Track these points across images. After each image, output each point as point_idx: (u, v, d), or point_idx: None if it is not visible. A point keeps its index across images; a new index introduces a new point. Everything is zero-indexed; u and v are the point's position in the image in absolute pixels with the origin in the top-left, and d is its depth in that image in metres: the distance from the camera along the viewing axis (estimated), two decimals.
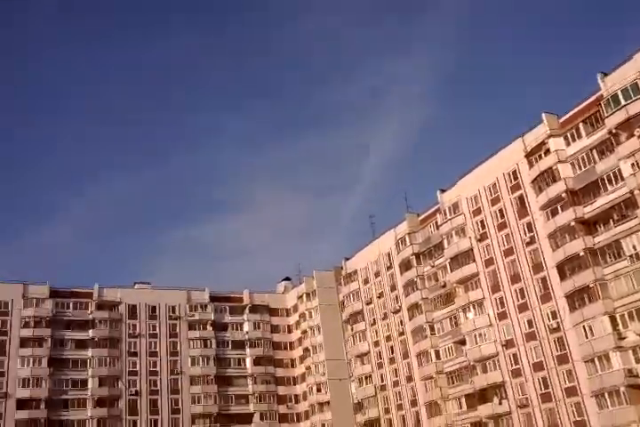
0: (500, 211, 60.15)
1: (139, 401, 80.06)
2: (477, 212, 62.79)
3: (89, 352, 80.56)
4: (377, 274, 78.61)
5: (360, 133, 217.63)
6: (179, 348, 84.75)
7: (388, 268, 76.43)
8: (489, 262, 60.69)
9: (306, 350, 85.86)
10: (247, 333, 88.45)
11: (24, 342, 78.43)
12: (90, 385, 78.83)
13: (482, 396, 59.47)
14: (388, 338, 75.22)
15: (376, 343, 77.02)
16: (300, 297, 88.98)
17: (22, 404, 75.04)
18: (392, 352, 74.27)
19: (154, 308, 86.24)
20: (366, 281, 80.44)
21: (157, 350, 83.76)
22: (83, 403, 77.87)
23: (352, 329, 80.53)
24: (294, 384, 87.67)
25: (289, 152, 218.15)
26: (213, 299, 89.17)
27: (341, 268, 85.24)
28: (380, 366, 75.70)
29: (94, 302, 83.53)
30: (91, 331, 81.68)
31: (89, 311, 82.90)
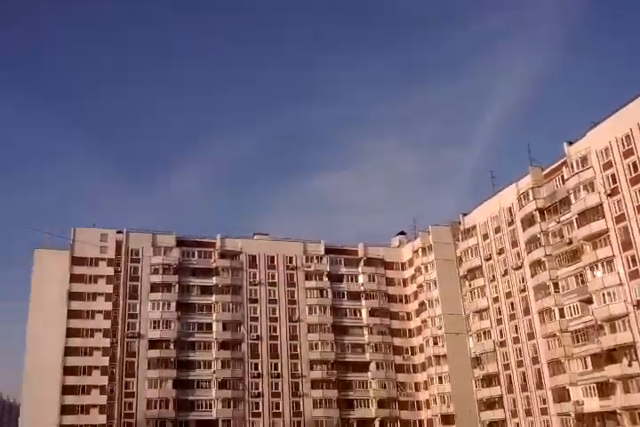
0: (634, 164, 56.87)
1: (260, 345, 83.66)
2: (608, 165, 59.62)
3: (213, 298, 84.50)
4: (497, 230, 76.99)
5: (480, 81, 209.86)
6: (296, 296, 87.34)
7: (510, 223, 74.65)
8: (620, 219, 57.80)
9: (421, 303, 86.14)
10: (362, 285, 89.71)
11: (154, 288, 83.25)
12: (214, 329, 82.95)
13: (609, 356, 57.68)
14: (509, 294, 74.04)
15: (495, 299, 76.09)
16: (416, 251, 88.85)
17: (154, 344, 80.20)
18: (512, 309, 73.17)
19: (272, 258, 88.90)
20: (485, 237, 79.03)
21: (276, 297, 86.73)
22: (208, 345, 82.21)
23: (470, 285, 79.84)
24: (410, 337, 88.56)
25: (405, 105, 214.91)
26: (328, 251, 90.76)
27: (459, 223, 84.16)
28: (500, 322, 74.91)
29: (217, 252, 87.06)
30: (214, 278, 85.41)
31: (212, 260, 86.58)
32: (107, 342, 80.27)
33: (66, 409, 77.07)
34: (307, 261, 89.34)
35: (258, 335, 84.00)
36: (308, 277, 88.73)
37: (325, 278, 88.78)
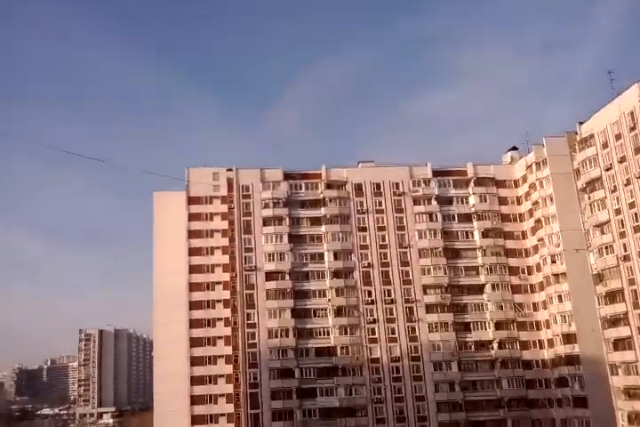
0: None
1: (371, 273, 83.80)
2: None
3: (323, 228, 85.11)
4: (618, 137, 70.57)
5: None
6: (405, 222, 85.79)
7: (632, 128, 68.37)
8: None
9: (537, 221, 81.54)
10: (473, 206, 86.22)
11: (266, 222, 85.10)
12: (326, 258, 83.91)
13: None
14: (632, 205, 68.31)
15: (617, 211, 70.44)
16: (529, 167, 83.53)
17: (270, 276, 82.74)
18: (636, 220, 67.63)
19: (378, 185, 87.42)
20: (605, 145, 72.69)
21: (385, 224, 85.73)
22: (321, 275, 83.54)
23: (589, 198, 74.24)
24: (526, 256, 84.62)
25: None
26: (436, 174, 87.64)
27: (575, 133, 77.73)
28: (623, 235, 69.50)
29: (323, 183, 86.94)
30: (322, 209, 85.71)
31: (319, 191, 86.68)
32: (226, 277, 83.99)
33: (194, 342, 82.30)
34: (414, 186, 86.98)
35: (369, 263, 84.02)
36: (416, 201, 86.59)
37: (434, 202, 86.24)
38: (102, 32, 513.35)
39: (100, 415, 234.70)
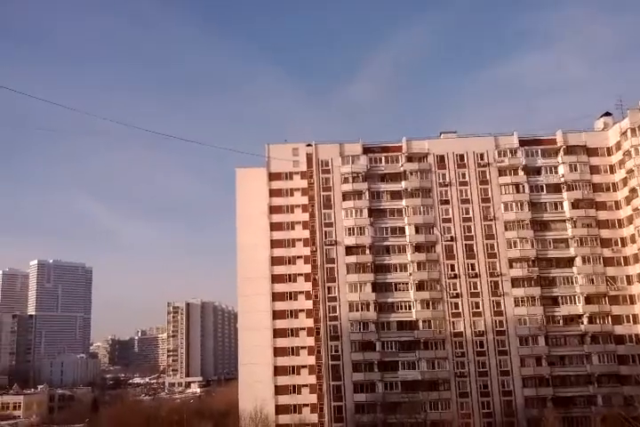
0: None
1: (454, 246, 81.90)
2: None
3: (403, 202, 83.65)
4: None
5: None
6: (490, 194, 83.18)
7: None
8: None
9: (632, 190, 77.40)
10: (563, 176, 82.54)
11: (345, 196, 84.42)
12: (407, 232, 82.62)
13: None
14: None
15: None
16: (624, 133, 79.18)
17: (350, 250, 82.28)
18: None
19: (461, 156, 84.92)
20: None
21: (469, 197, 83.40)
22: (402, 249, 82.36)
23: None
24: (619, 227, 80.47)
25: None
26: (523, 143, 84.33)
27: None
28: None
29: (404, 155, 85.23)
30: (403, 182, 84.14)
31: (399, 164, 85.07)
32: (307, 251, 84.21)
33: (276, 314, 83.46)
34: (499, 156, 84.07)
35: (452, 236, 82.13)
36: (501, 172, 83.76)
37: (521, 172, 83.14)
38: (182, 16, 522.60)
39: (188, 385, 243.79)
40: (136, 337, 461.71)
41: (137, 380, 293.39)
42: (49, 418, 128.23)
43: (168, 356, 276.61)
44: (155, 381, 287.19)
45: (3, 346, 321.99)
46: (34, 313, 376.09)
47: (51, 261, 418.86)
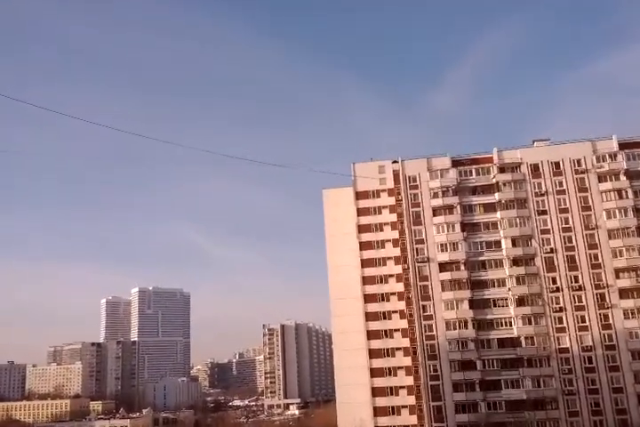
0: None
1: (555, 258, 78.12)
2: None
3: (497, 214, 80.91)
4: None
5: None
6: (590, 202, 79.14)
7: None
8: None
9: None
10: None
11: (436, 211, 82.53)
12: (503, 246, 79.60)
13: None
14: None
15: None
16: None
17: (444, 266, 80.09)
18: None
19: (557, 164, 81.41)
20: None
21: (567, 206, 79.61)
22: (499, 263, 79.37)
23: None
24: None
25: None
26: (622, 146, 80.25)
27: None
28: None
29: (495, 166, 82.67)
30: (496, 194, 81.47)
31: (491, 175, 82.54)
32: (399, 269, 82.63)
33: (371, 334, 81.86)
34: (598, 162, 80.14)
35: (552, 248, 78.48)
36: (601, 178, 79.74)
37: (623, 177, 78.91)
38: (257, 30, 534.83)
39: (287, 406, 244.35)
40: (234, 360, 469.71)
41: (237, 402, 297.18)
42: None
43: (265, 378, 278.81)
44: (254, 403, 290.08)
45: (109, 372, 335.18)
46: (136, 339, 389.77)
47: (150, 288, 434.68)
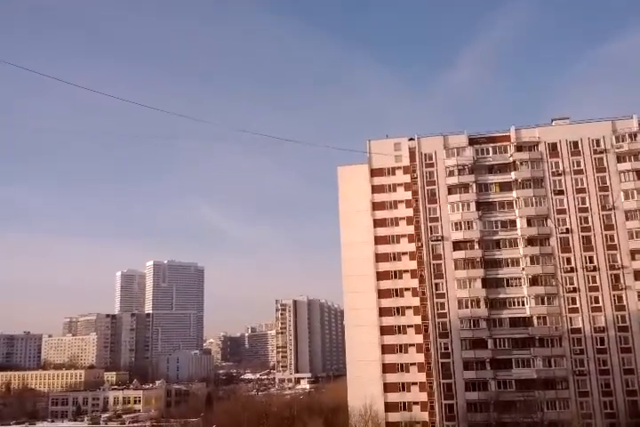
0: None
1: (570, 239, 77.58)
2: None
3: (514, 194, 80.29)
4: None
5: None
6: (608, 182, 78.27)
7: None
8: None
9: None
10: None
11: (451, 190, 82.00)
12: (519, 225, 79.08)
13: None
14: None
15: None
16: None
17: (458, 245, 79.78)
18: None
19: (575, 143, 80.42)
20: None
21: (585, 186, 78.80)
22: (514, 242, 78.96)
23: None
24: None
25: None
26: None
27: None
28: None
29: (512, 145, 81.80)
30: (513, 173, 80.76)
31: (508, 154, 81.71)
32: (412, 247, 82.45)
33: (383, 311, 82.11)
34: (617, 142, 79.16)
35: (567, 228, 77.90)
36: (620, 159, 78.81)
37: None
38: (273, 7, 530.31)
39: (298, 381, 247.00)
40: (246, 334, 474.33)
41: (248, 375, 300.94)
42: (166, 412, 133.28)
43: (277, 352, 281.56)
44: (265, 377, 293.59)
45: (123, 343, 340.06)
46: (151, 311, 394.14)
47: (165, 261, 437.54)
